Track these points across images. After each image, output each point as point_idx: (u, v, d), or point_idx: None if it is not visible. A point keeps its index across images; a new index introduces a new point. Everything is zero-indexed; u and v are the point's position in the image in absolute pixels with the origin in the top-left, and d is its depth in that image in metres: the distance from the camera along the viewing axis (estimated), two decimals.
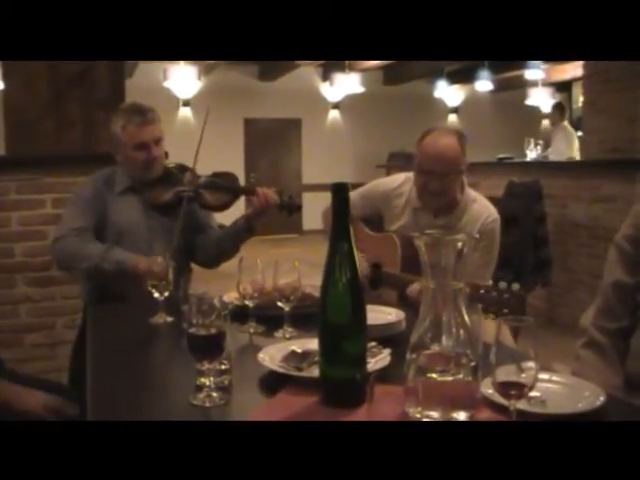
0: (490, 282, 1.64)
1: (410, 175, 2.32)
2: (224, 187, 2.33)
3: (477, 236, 1.05)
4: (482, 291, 1.60)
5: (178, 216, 2.23)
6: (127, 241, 2.26)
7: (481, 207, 2.23)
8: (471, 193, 2.26)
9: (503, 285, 1.59)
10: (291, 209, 2.34)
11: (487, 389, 1.08)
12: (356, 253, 1.16)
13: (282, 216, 2.39)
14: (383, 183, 2.44)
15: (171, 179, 2.32)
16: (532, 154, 6.38)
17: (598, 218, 4.61)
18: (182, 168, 2.38)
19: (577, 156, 6.42)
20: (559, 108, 7.35)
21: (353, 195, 2.39)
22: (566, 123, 7.15)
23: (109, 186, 2.32)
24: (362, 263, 2.19)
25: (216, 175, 2.37)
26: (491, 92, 10.37)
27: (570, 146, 6.80)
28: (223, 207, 2.33)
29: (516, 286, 1.58)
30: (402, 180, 2.35)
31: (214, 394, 1.19)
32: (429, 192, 2.16)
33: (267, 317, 1.65)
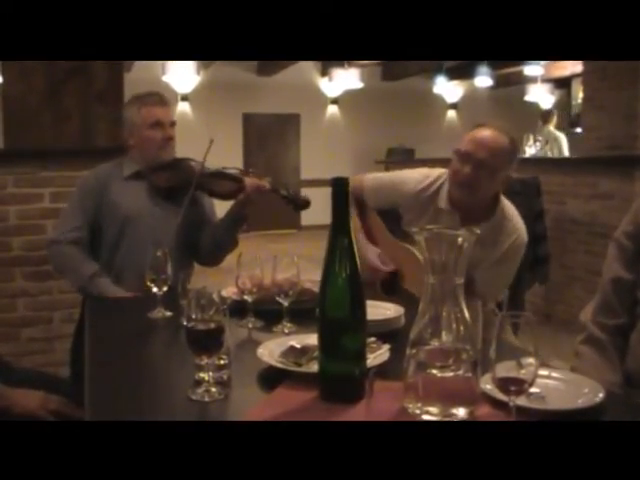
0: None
1: (442, 172, 2.10)
2: (231, 176, 2.32)
3: (478, 232, 1.04)
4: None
5: (184, 203, 2.23)
6: (131, 229, 2.27)
7: (512, 227, 2.04)
8: (506, 210, 2.06)
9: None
10: (298, 204, 2.31)
11: (487, 385, 1.08)
12: (356, 248, 1.15)
13: (281, 211, 2.38)
14: (411, 181, 2.13)
15: (179, 166, 2.33)
16: (531, 150, 6.39)
17: (596, 215, 4.61)
18: (190, 159, 2.38)
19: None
20: (544, 114, 7.82)
21: (369, 181, 2.21)
22: (551, 128, 7.49)
23: (117, 171, 2.35)
24: (383, 263, 2.06)
25: (225, 168, 2.37)
26: (490, 88, 10.36)
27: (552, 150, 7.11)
28: (230, 196, 2.32)
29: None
30: (433, 178, 2.10)
31: (213, 389, 1.18)
32: (458, 181, 1.97)
33: (266, 312, 1.65)
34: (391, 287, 2.06)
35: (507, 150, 1.97)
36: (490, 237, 1.96)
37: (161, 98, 2.34)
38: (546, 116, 7.68)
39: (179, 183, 2.29)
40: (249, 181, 2.25)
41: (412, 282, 1.98)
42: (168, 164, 2.32)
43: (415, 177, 2.14)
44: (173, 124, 2.34)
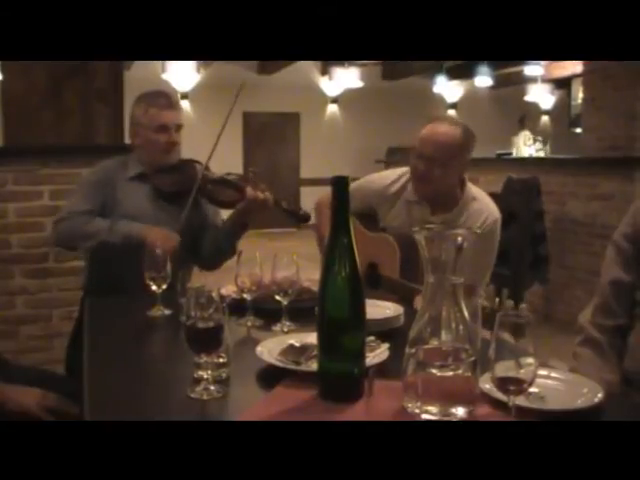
0: (501, 301, 1.60)
1: (406, 169, 2.29)
2: (234, 184, 2.28)
3: (478, 231, 1.04)
4: (487, 311, 1.58)
5: (186, 207, 2.21)
6: None
7: (481, 206, 2.18)
8: (472, 191, 2.20)
9: (510, 304, 1.58)
10: (299, 218, 2.31)
11: (486, 384, 1.08)
12: (356, 247, 1.15)
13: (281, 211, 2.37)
14: (377, 178, 2.38)
15: (184, 169, 2.32)
16: (530, 150, 6.41)
17: (596, 215, 4.61)
18: (195, 162, 2.37)
19: None
20: (520, 119, 8.83)
21: None
22: (527, 133, 8.42)
23: (122, 170, 2.32)
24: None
25: (229, 174, 2.34)
26: (490, 88, 10.36)
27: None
28: (230, 205, 2.30)
29: (523, 306, 1.57)
30: (398, 174, 2.30)
31: (212, 387, 1.18)
32: (416, 177, 2.15)
33: (265, 310, 1.65)
34: (374, 281, 2.14)
35: (458, 140, 2.09)
36: (461, 219, 2.14)
37: (170, 100, 2.30)
38: (522, 121, 8.34)
39: (183, 187, 2.27)
40: (250, 192, 2.21)
41: (390, 268, 2.10)
42: (172, 167, 2.30)
43: (380, 176, 2.38)
44: (179, 128, 2.29)
